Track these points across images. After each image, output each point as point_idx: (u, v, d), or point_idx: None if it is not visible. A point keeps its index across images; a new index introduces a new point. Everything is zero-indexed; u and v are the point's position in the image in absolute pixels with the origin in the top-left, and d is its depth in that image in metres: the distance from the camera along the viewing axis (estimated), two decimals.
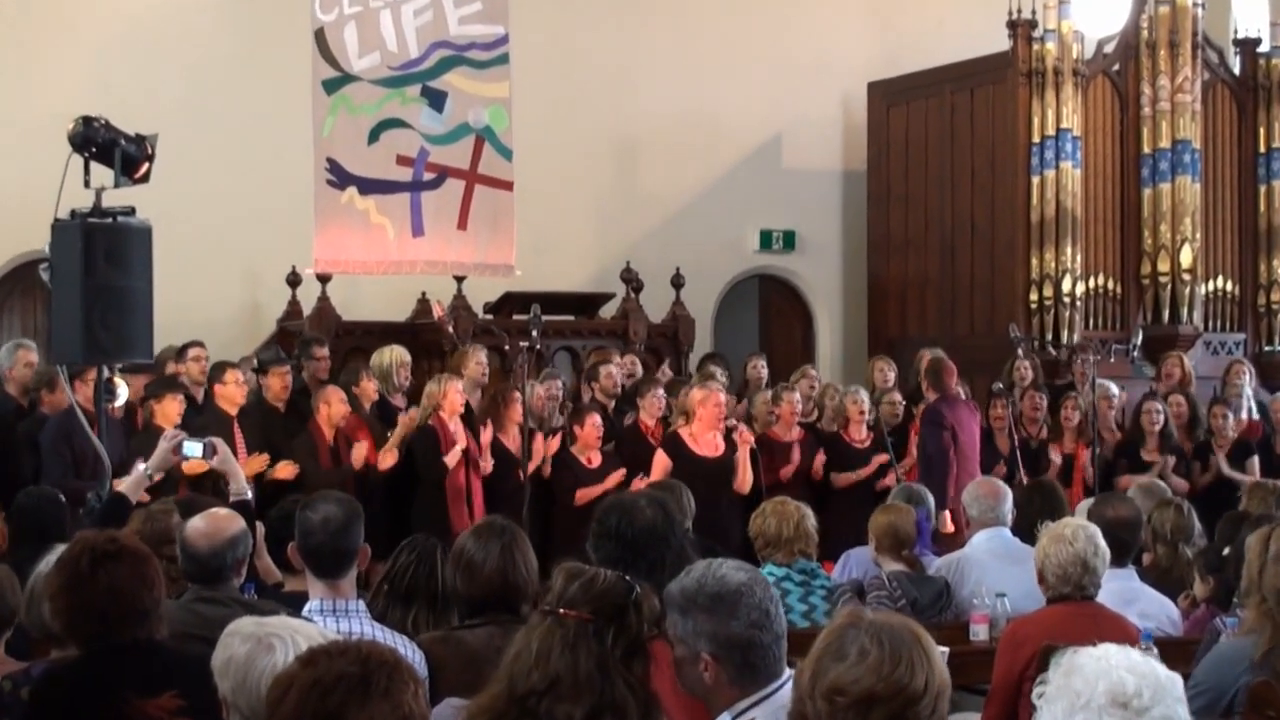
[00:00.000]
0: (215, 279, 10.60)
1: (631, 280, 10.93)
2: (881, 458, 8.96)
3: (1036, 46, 11.48)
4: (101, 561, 3.31)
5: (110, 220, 5.77)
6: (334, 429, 8.07)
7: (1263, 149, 12.26)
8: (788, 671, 2.81)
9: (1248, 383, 10.35)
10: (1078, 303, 11.40)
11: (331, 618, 3.78)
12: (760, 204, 12.81)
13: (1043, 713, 2.20)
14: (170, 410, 7.65)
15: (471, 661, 3.63)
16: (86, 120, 5.85)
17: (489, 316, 10.18)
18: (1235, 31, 12.82)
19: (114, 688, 3.22)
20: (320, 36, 9.54)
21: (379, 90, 9.68)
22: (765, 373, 10.09)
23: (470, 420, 8.40)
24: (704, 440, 8.11)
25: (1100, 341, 11.21)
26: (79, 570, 3.32)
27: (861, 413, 9.04)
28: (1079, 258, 11.46)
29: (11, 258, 10.59)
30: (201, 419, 7.94)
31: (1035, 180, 11.43)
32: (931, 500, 6.86)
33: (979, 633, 5.48)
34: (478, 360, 8.84)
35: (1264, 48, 12.38)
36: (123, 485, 5.58)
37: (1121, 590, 5.15)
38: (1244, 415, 9.88)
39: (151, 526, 4.73)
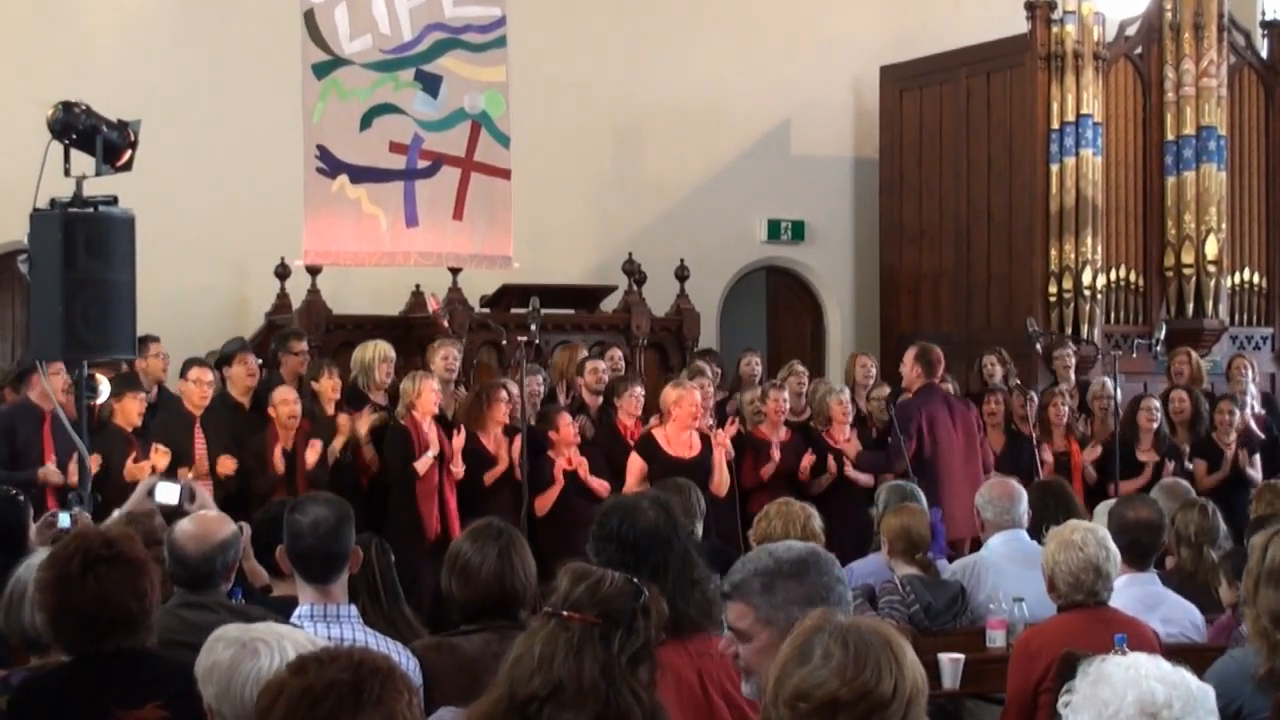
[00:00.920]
0: (201, 271, 10.50)
1: (634, 272, 10.83)
2: (850, 447, 8.77)
3: (1056, 29, 11.39)
4: (93, 565, 3.26)
5: (91, 210, 5.76)
6: (289, 432, 7.86)
7: None
8: None
9: (1251, 378, 10.26)
10: (1098, 296, 11.31)
11: (322, 623, 3.74)
12: (768, 193, 12.74)
13: None
14: (130, 409, 7.61)
15: (467, 669, 3.61)
16: (67, 106, 5.82)
17: (486, 310, 10.09)
18: (1263, 13, 12.90)
19: (95, 698, 3.18)
20: (310, 18, 9.42)
21: (371, 74, 9.58)
22: (759, 369, 10.06)
23: (445, 419, 8.26)
24: (678, 440, 8.10)
25: (1122, 336, 11.16)
26: (68, 572, 3.27)
27: (845, 413, 8.91)
28: (1100, 249, 11.37)
29: None
30: (160, 418, 7.88)
31: (1054, 168, 11.33)
32: (923, 496, 6.71)
33: (996, 639, 5.41)
34: (444, 355, 8.66)
35: None
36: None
37: (1143, 595, 5.16)
38: (1248, 411, 9.78)
39: (134, 529, 4.52)
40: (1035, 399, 9.48)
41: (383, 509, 7.91)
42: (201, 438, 7.72)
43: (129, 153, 5.90)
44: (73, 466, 6.94)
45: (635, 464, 8.02)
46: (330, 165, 9.36)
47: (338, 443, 7.91)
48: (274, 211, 9.95)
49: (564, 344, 9.75)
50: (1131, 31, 11.77)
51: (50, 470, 7.12)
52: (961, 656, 5.18)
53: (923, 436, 8.39)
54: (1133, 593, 5.06)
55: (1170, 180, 11.64)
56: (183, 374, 7.94)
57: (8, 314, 10.51)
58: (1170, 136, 11.62)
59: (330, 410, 8.16)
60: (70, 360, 6.27)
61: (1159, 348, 10.07)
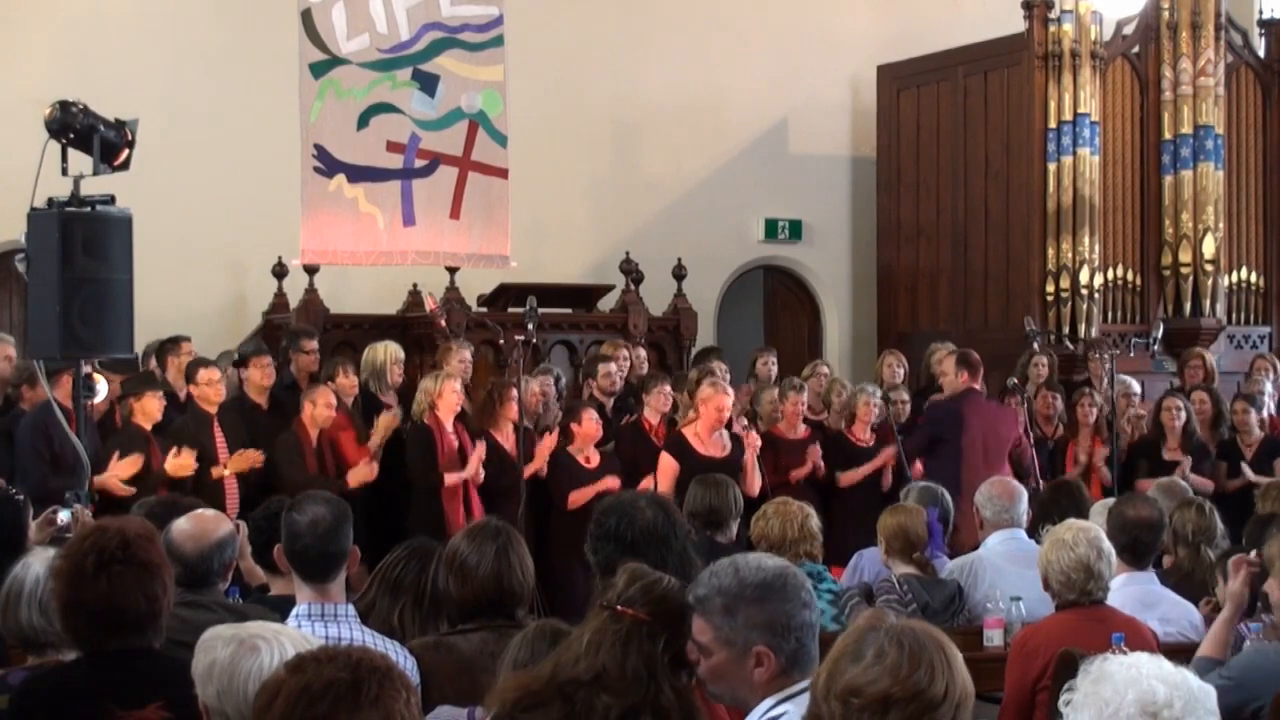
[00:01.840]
0: (198, 270, 10.46)
1: (631, 271, 10.82)
2: (888, 453, 8.81)
3: (1053, 28, 11.32)
4: (107, 565, 3.25)
5: (89, 209, 5.72)
6: (318, 430, 7.90)
7: None
8: None
9: (1269, 379, 10.19)
10: (1096, 295, 11.26)
11: (320, 623, 3.73)
12: (765, 192, 12.72)
13: None
14: (150, 408, 7.58)
15: (464, 668, 3.60)
16: (64, 105, 5.77)
17: (483, 309, 10.06)
18: (1260, 12, 12.82)
19: (97, 698, 3.17)
20: (307, 18, 9.39)
21: (368, 74, 9.55)
22: (775, 369, 9.97)
23: (466, 419, 8.27)
24: (709, 440, 8.00)
25: (1119, 335, 11.08)
26: (82, 568, 3.26)
27: (870, 413, 8.92)
28: (1097, 248, 11.31)
29: None
30: (180, 419, 7.85)
31: (1052, 167, 11.28)
32: (949, 498, 6.68)
33: (993, 638, 5.41)
34: (460, 358, 8.70)
35: None
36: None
37: (1141, 594, 5.16)
38: (1265, 413, 9.69)
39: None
40: (1060, 399, 9.49)
41: (399, 507, 7.89)
42: (221, 436, 7.73)
43: (126, 152, 5.86)
44: (121, 462, 7.02)
45: (668, 465, 7.84)
46: (327, 164, 9.33)
47: (375, 440, 7.96)
48: (271, 211, 9.93)
49: (597, 341, 9.79)
50: (1129, 31, 11.70)
51: (111, 480, 7.05)
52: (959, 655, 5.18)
53: (951, 432, 8.39)
54: (1131, 591, 5.07)
55: (1168, 179, 11.57)
56: (190, 376, 7.91)
57: (6, 314, 10.46)
58: (1167, 135, 11.55)
59: (349, 405, 8.21)
60: (69, 360, 6.25)
61: (1156, 347, 10.05)
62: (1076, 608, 4.56)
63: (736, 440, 8.02)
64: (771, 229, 12.80)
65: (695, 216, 12.25)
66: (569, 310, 10.47)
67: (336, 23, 9.39)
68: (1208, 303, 11.48)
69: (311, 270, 9.80)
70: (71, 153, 5.78)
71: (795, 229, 12.88)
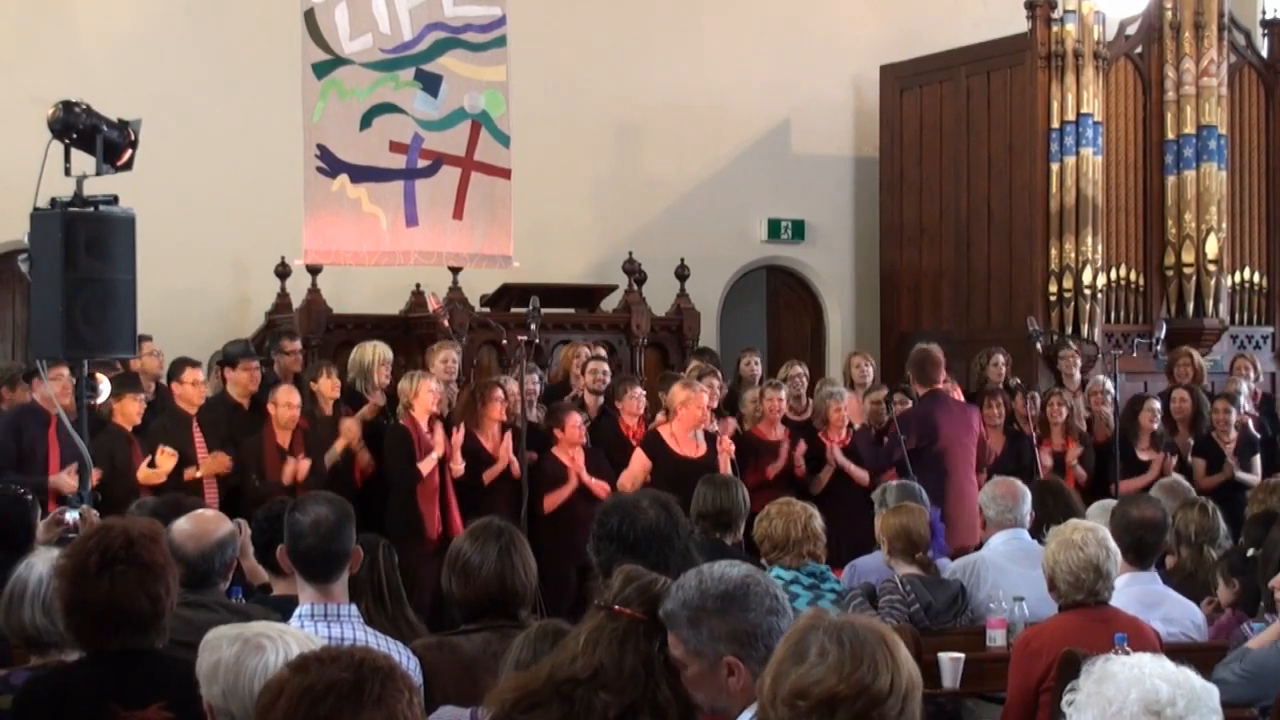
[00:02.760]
0: (201, 270, 10.46)
1: (634, 272, 10.78)
2: (861, 476, 8.71)
3: (1056, 28, 11.33)
4: (110, 565, 3.24)
5: (92, 209, 5.70)
6: (287, 431, 7.82)
7: None
8: None
9: (1250, 378, 10.25)
10: (1098, 295, 11.25)
11: (323, 623, 3.72)
12: (768, 192, 12.70)
13: None
14: (130, 409, 7.60)
15: (467, 668, 3.60)
16: (67, 105, 5.75)
17: (486, 309, 10.04)
18: (1263, 12, 12.77)
19: (100, 698, 3.16)
20: (310, 18, 9.39)
21: (371, 74, 9.55)
22: (759, 369, 10.02)
23: (447, 419, 8.22)
24: (685, 440, 8.03)
25: (1122, 335, 11.09)
26: (85, 568, 3.25)
27: (841, 419, 8.86)
28: (1100, 248, 11.31)
29: None
30: (160, 419, 7.83)
31: (1055, 167, 11.28)
32: (926, 498, 6.65)
33: (996, 638, 5.37)
34: (443, 358, 8.63)
35: None
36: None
37: (1144, 594, 5.15)
38: (1242, 411, 9.75)
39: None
40: (1037, 398, 9.45)
41: (379, 508, 7.85)
42: (200, 437, 7.70)
43: (129, 152, 5.83)
44: (72, 467, 6.92)
45: (640, 460, 7.94)
46: (330, 165, 9.33)
47: (339, 445, 7.88)
48: (274, 211, 9.91)
49: (565, 342, 9.71)
50: (1132, 30, 11.70)
51: (63, 479, 7.06)
52: (961, 656, 5.17)
53: (925, 438, 8.32)
54: (1134, 592, 5.05)
55: (1170, 179, 11.57)
56: (174, 375, 7.89)
57: (8, 314, 10.47)
58: (1170, 135, 11.55)
59: (329, 410, 8.13)
60: (71, 360, 6.24)
61: (1159, 347, 10.06)
62: (1081, 608, 4.55)
63: (712, 440, 8.05)
64: (774, 229, 12.79)
65: (698, 216, 12.24)
66: (572, 310, 10.44)
67: (339, 23, 9.40)
68: (1210, 303, 11.48)
69: (314, 270, 9.78)
70: (74, 153, 5.76)
71: (798, 229, 12.87)
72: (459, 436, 8.01)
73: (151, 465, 7.42)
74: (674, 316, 10.82)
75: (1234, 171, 11.80)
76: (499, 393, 8.14)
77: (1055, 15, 11.29)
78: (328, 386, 8.19)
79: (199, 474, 7.58)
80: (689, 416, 7.99)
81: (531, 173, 10.25)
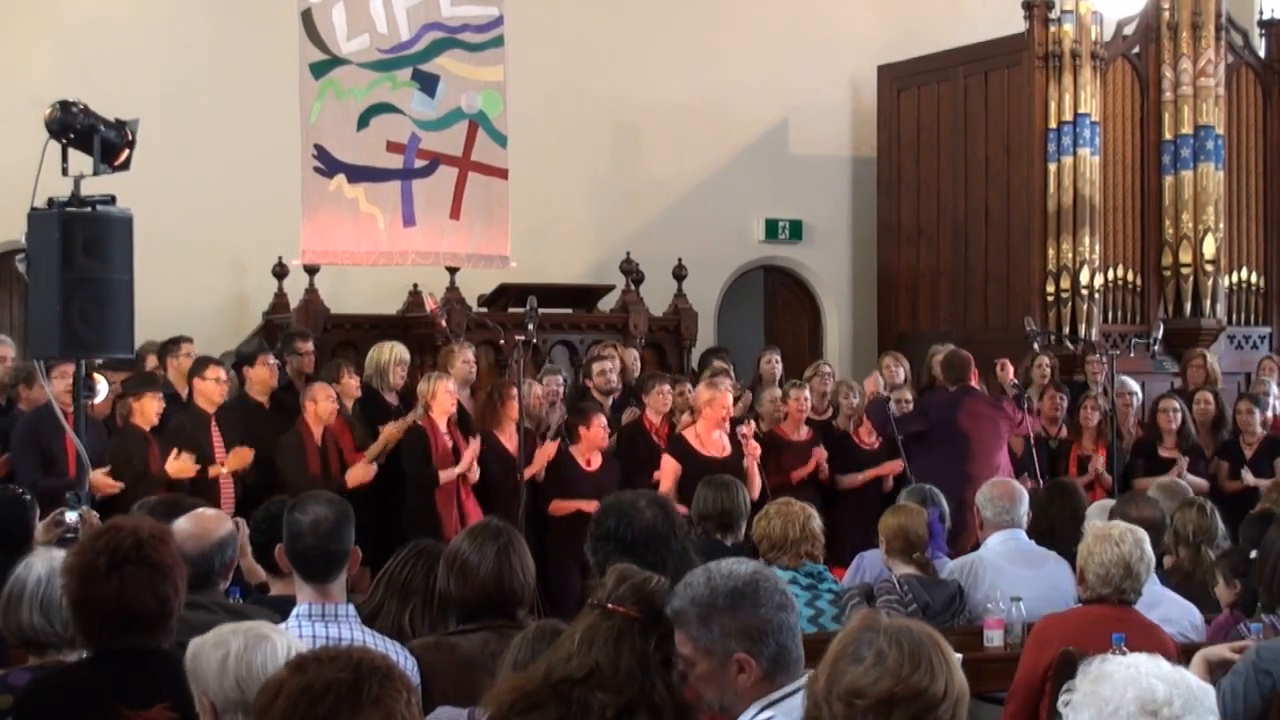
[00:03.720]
0: (198, 270, 10.43)
1: (632, 272, 10.79)
2: (895, 465, 8.78)
3: (1053, 28, 11.33)
4: (119, 565, 3.25)
5: (89, 209, 5.68)
6: (322, 428, 7.88)
7: None
8: (806, 675, 2.79)
9: (1275, 379, 10.16)
10: (1096, 295, 11.25)
11: (320, 623, 3.73)
12: (766, 192, 12.69)
13: None
14: (149, 409, 7.58)
15: (465, 669, 3.60)
16: (64, 105, 5.72)
17: (483, 309, 10.04)
18: (1261, 12, 12.78)
19: (104, 698, 3.18)
20: (308, 18, 9.38)
21: (368, 74, 9.54)
22: (779, 369, 9.94)
23: (465, 421, 8.24)
24: (709, 440, 8.01)
25: (1119, 335, 11.07)
26: (94, 566, 3.26)
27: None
28: (1097, 248, 11.31)
29: None
30: (178, 419, 7.83)
31: (1052, 167, 11.27)
32: (944, 499, 6.66)
33: (993, 638, 5.37)
34: (464, 359, 8.68)
35: None
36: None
37: (1143, 594, 5.03)
38: (1270, 413, 9.67)
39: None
40: (1065, 399, 9.50)
41: (396, 507, 7.88)
42: (219, 436, 7.72)
43: (127, 152, 5.81)
44: (107, 467, 7.00)
45: (670, 466, 7.92)
46: (327, 165, 9.32)
47: (374, 449, 7.94)
48: (271, 211, 9.90)
49: (596, 342, 9.77)
50: (1129, 31, 11.70)
51: (99, 478, 6.99)
52: (959, 656, 5.16)
53: (940, 424, 8.40)
54: None
55: (1168, 179, 11.57)
56: (197, 372, 7.89)
57: (6, 314, 10.44)
58: (1168, 136, 11.55)
59: (350, 410, 8.20)
60: (68, 359, 6.25)
61: (1157, 347, 10.05)
62: (1103, 604, 4.53)
63: (737, 441, 8.02)
64: (772, 229, 12.78)
65: (696, 217, 12.22)
66: (569, 310, 10.44)
67: (337, 23, 9.39)
68: (1208, 303, 11.47)
69: (312, 270, 9.78)
70: (72, 153, 5.74)
71: (795, 229, 12.86)
72: (476, 443, 8.01)
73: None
74: (671, 317, 10.83)
75: (1231, 172, 11.79)
76: (516, 392, 8.09)
77: (1053, 15, 11.28)
78: (350, 386, 8.26)
79: (224, 470, 7.60)
80: (713, 416, 7.97)
81: (529, 173, 10.24)
